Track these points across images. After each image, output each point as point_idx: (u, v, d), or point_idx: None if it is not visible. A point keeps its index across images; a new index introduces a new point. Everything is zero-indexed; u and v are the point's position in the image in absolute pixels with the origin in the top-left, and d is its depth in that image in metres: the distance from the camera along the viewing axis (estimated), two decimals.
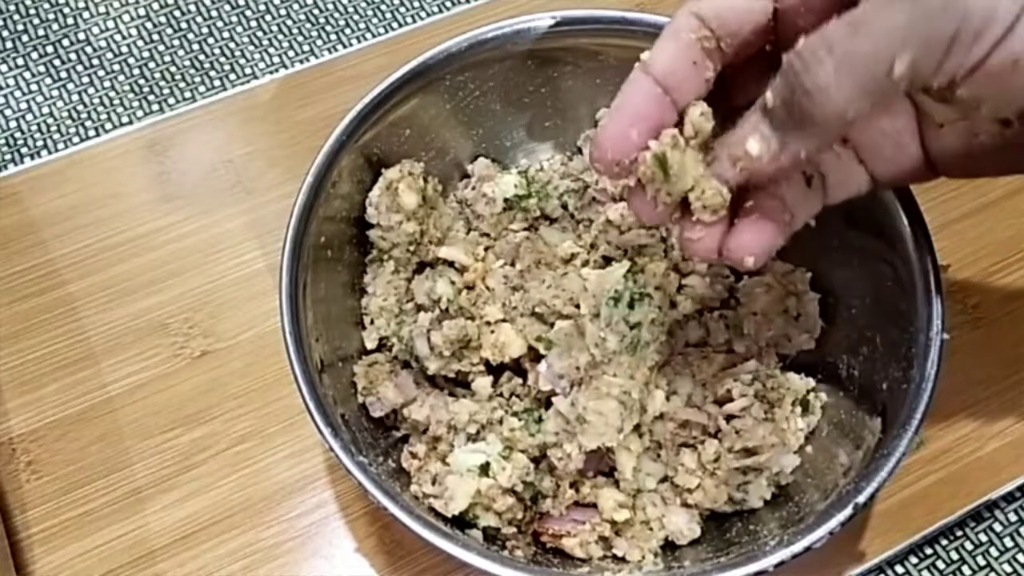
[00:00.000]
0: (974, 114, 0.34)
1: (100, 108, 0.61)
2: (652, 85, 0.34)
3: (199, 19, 0.65)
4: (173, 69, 0.63)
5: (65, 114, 0.61)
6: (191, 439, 0.51)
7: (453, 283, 0.48)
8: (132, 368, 0.52)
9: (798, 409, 0.46)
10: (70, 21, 0.64)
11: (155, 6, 0.65)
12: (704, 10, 0.33)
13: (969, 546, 0.51)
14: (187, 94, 0.62)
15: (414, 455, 0.46)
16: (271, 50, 0.64)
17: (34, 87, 0.62)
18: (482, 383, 0.47)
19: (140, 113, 0.61)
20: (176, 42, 0.64)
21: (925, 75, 0.29)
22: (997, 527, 0.51)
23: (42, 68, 0.63)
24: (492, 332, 0.47)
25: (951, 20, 0.27)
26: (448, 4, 0.65)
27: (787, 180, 0.36)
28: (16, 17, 0.64)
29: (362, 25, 0.65)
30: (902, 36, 0.28)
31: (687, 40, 0.33)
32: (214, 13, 0.65)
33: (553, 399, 0.44)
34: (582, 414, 0.43)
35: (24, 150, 0.60)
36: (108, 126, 0.61)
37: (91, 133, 0.61)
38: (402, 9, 0.65)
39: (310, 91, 0.60)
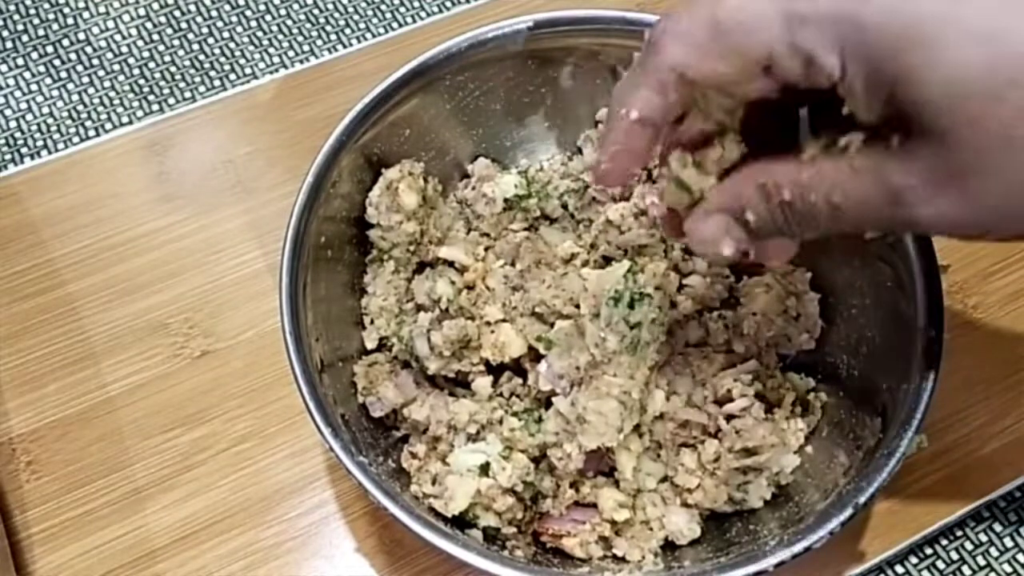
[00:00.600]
0: None
1: (100, 108, 0.61)
2: (639, 128, 0.33)
3: (199, 19, 0.65)
4: (173, 69, 0.63)
5: (65, 114, 0.61)
6: (191, 439, 0.51)
7: (453, 283, 0.48)
8: (132, 368, 0.52)
9: (798, 409, 0.46)
10: (70, 21, 0.64)
11: (155, 6, 0.65)
12: (687, 71, 0.31)
13: (969, 546, 0.51)
14: (187, 94, 0.62)
15: (414, 455, 0.46)
16: (271, 50, 0.64)
17: (34, 87, 0.62)
18: (482, 383, 0.47)
19: (140, 113, 0.61)
20: (176, 42, 0.64)
21: None
22: (997, 527, 0.51)
23: (42, 68, 0.63)
24: (492, 332, 0.47)
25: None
26: (448, 4, 0.65)
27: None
28: (16, 17, 0.64)
29: (362, 25, 0.65)
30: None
31: (672, 101, 0.32)
32: (214, 13, 0.65)
33: (553, 399, 0.44)
34: (582, 414, 0.43)
35: (24, 150, 0.60)
36: (108, 126, 0.61)
37: (91, 133, 0.61)
38: (402, 9, 0.65)
39: (310, 91, 0.60)
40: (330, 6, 0.65)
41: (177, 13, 0.65)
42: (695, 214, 0.34)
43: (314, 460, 0.50)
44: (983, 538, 0.51)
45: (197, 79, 0.63)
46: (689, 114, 0.34)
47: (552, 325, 0.46)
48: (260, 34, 0.64)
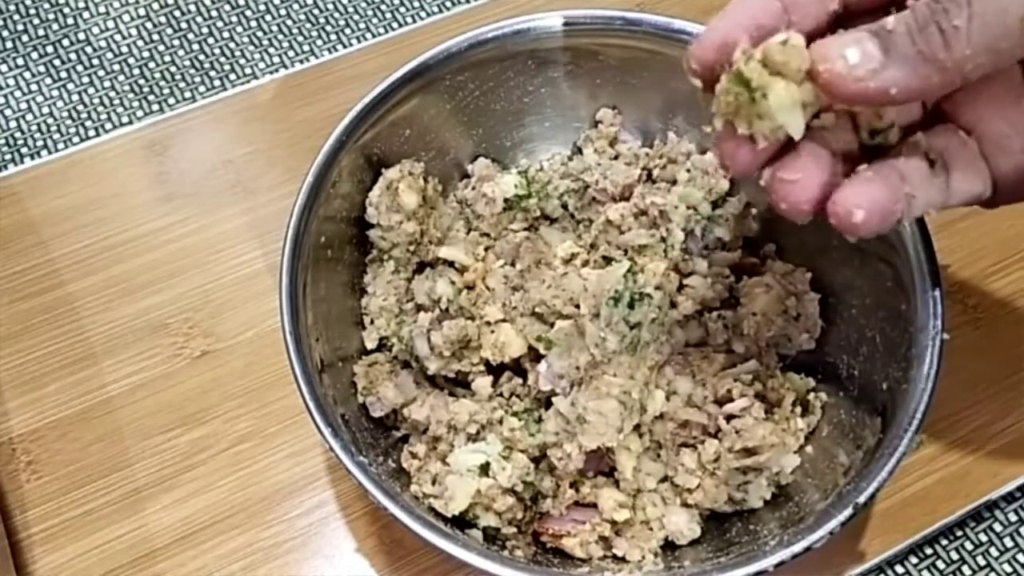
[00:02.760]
0: None
1: (100, 108, 0.61)
2: None
3: (199, 19, 0.65)
4: (173, 69, 0.63)
5: (65, 114, 0.61)
6: (191, 439, 0.51)
7: (453, 283, 0.48)
8: (132, 368, 0.52)
9: (798, 409, 0.46)
10: (70, 21, 0.64)
11: (155, 6, 0.65)
12: None
13: (969, 546, 0.51)
14: (187, 94, 0.62)
15: (414, 455, 0.46)
16: (271, 50, 0.64)
17: (34, 87, 0.62)
18: (482, 383, 0.47)
19: (140, 113, 0.61)
20: (176, 42, 0.64)
21: None
22: (997, 527, 0.51)
23: (42, 68, 0.63)
24: (492, 332, 0.47)
25: None
26: (448, 4, 0.65)
27: (906, 159, 0.33)
28: (16, 17, 0.64)
29: (362, 25, 0.65)
30: None
31: None
32: (214, 13, 0.65)
33: (553, 399, 0.44)
34: (582, 414, 0.43)
35: (24, 150, 0.60)
36: (108, 126, 0.61)
37: (91, 133, 0.61)
38: (402, 9, 0.65)
39: (310, 91, 0.60)
40: (330, 6, 0.65)
41: (177, 13, 0.65)
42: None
43: (314, 460, 0.50)
44: (983, 538, 0.51)
45: (197, 79, 0.63)
46: None
47: (552, 325, 0.46)
48: (260, 34, 0.64)
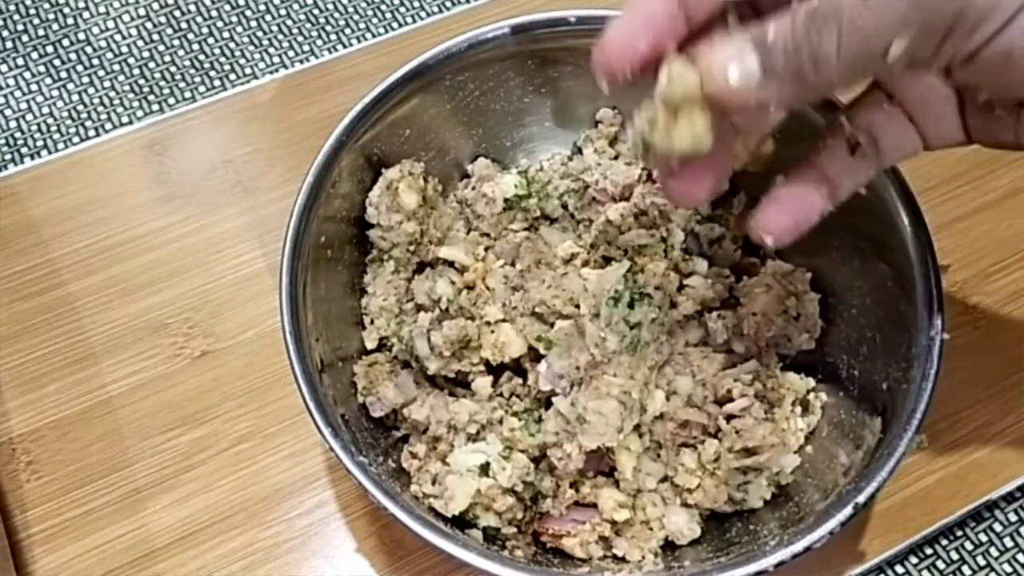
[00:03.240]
0: (980, 93, 0.34)
1: (100, 108, 0.61)
2: None
3: (199, 19, 0.65)
4: (173, 69, 0.63)
5: (65, 114, 0.61)
6: (191, 439, 0.51)
7: (453, 283, 0.48)
8: (132, 368, 0.52)
9: (798, 409, 0.46)
10: (70, 21, 0.64)
11: (155, 6, 0.65)
12: None
13: (969, 546, 0.51)
14: (187, 94, 0.62)
15: (414, 455, 0.46)
16: (271, 50, 0.64)
17: (34, 87, 0.62)
18: (482, 383, 0.47)
19: (140, 113, 0.61)
20: (176, 42, 0.64)
21: (921, 58, 0.29)
22: (997, 527, 0.51)
23: (42, 68, 0.63)
24: (492, 332, 0.47)
25: (953, 6, 0.28)
26: (448, 4, 0.65)
27: (827, 151, 0.36)
28: (16, 17, 0.64)
29: (362, 25, 0.65)
30: (904, 17, 0.28)
31: None
32: (214, 13, 0.65)
33: (553, 399, 0.44)
34: (582, 414, 0.43)
35: (24, 150, 0.60)
36: (108, 126, 0.61)
37: (91, 133, 0.61)
38: (402, 9, 0.65)
39: (310, 91, 0.60)
40: (330, 6, 0.65)
41: (177, 13, 0.65)
42: (710, 39, 0.31)
43: (314, 460, 0.50)
44: (983, 538, 0.51)
45: (197, 79, 0.63)
46: None
47: (552, 325, 0.46)
48: (260, 34, 0.64)
